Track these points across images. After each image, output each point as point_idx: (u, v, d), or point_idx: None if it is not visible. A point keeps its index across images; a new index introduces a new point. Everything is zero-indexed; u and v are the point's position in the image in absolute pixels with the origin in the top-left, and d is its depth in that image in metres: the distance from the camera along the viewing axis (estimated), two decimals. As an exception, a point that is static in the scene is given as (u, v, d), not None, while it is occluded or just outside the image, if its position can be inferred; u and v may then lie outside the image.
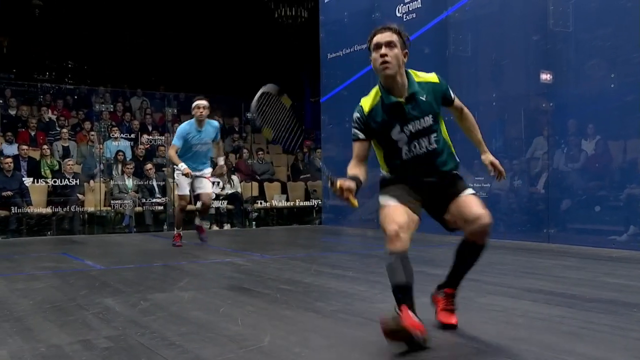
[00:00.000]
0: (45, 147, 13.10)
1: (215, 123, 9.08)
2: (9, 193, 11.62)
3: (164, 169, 13.17)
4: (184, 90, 18.14)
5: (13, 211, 11.57)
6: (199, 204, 9.54)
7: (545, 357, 3.11)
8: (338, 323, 3.96)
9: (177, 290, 5.30)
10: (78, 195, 12.32)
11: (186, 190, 8.95)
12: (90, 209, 12.37)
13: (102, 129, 14.52)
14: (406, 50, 3.63)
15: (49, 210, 12.03)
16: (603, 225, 8.25)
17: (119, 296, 5.01)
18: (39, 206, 11.99)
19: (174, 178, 12.19)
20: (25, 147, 12.86)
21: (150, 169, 12.84)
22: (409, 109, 3.58)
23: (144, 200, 12.64)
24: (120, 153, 13.20)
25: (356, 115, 3.68)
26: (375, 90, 3.72)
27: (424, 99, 3.59)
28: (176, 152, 8.74)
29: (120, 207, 12.50)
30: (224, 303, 4.68)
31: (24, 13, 17.00)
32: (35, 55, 20.80)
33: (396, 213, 3.48)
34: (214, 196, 9.44)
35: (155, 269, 6.94)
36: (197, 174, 8.87)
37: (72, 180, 12.34)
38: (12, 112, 14.91)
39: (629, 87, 8.00)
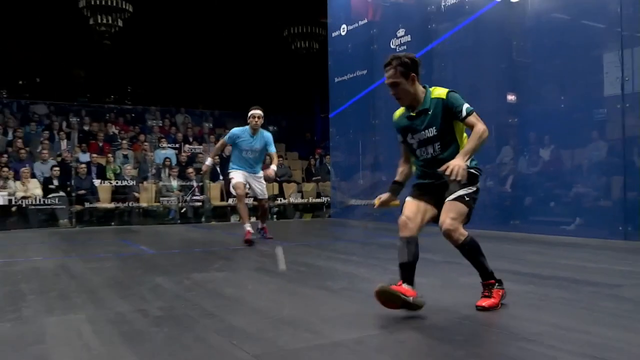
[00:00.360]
0: (109, 155, 13.22)
1: (268, 135, 7.81)
2: (83, 192, 11.76)
3: (200, 172, 13.22)
4: (218, 108, 18.24)
5: (86, 206, 11.69)
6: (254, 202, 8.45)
7: (512, 324, 3.12)
8: (344, 298, 3.97)
9: (213, 271, 5.32)
10: (135, 193, 12.41)
11: (240, 179, 7.56)
12: (144, 204, 12.41)
13: (153, 140, 14.60)
14: (412, 74, 3.52)
15: (112, 205, 12.12)
16: (556, 217, 8.27)
17: (167, 275, 5.03)
18: (105, 202, 12.09)
19: (210, 180, 12.33)
20: (95, 155, 13.03)
21: (191, 172, 12.90)
22: (416, 122, 3.58)
23: (186, 198, 12.69)
24: (167, 159, 13.24)
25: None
26: None
27: (430, 113, 3.53)
28: (223, 147, 8.28)
29: (167, 203, 12.55)
30: (251, 282, 4.71)
31: (96, 51, 17.19)
32: (103, 83, 20.99)
33: (407, 207, 3.55)
34: (266, 195, 7.98)
35: (196, 254, 6.96)
36: (251, 174, 7.72)
37: (130, 182, 12.46)
38: (86, 128, 15.03)
39: (576, 106, 8.07)
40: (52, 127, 14.57)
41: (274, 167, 7.71)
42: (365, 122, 12.04)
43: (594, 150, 7.92)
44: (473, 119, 3.45)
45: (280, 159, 15.01)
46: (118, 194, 12.32)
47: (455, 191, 3.43)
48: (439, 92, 3.57)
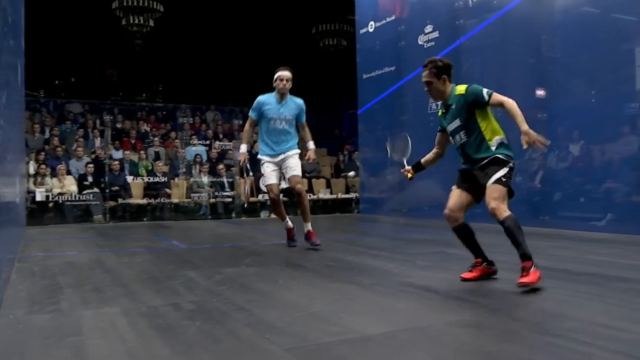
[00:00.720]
0: (142, 152, 13.35)
1: (300, 101, 6.53)
2: (116, 188, 11.93)
3: (232, 168, 13.27)
4: (248, 105, 18.29)
5: (119, 202, 11.86)
6: (285, 185, 6.74)
7: (543, 319, 3.07)
8: (374, 293, 3.94)
9: (244, 266, 5.32)
10: (166, 189, 12.52)
11: (272, 179, 6.37)
12: (176, 200, 12.52)
13: (184, 137, 14.70)
14: (444, 76, 4.17)
15: (144, 201, 12.25)
16: (586, 212, 8.13)
17: (198, 270, 5.06)
18: (137, 198, 12.23)
19: (240, 175, 12.30)
20: (127, 152, 13.19)
21: (221, 168, 13.01)
22: (447, 116, 4.25)
23: (216, 194, 12.77)
24: (198, 156, 13.34)
25: None
26: None
27: (454, 107, 4.17)
28: (251, 126, 6.65)
29: (198, 199, 12.65)
30: (281, 276, 4.70)
31: (128, 50, 17.43)
32: (135, 82, 21.29)
33: (450, 199, 4.25)
34: (301, 173, 6.50)
35: (226, 249, 6.96)
36: (281, 156, 6.38)
37: (162, 178, 12.58)
38: (119, 125, 15.20)
39: (606, 101, 7.91)
40: (86, 125, 14.77)
41: (311, 145, 6.58)
42: (394, 118, 11.98)
43: (625, 145, 7.77)
44: (496, 97, 4.02)
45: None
46: (150, 190, 12.45)
47: (493, 172, 3.97)
48: (460, 88, 4.15)
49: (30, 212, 10.88)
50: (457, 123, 4.14)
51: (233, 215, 12.71)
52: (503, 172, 3.97)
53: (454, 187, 4.27)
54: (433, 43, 10.82)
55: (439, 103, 4.36)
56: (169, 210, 12.36)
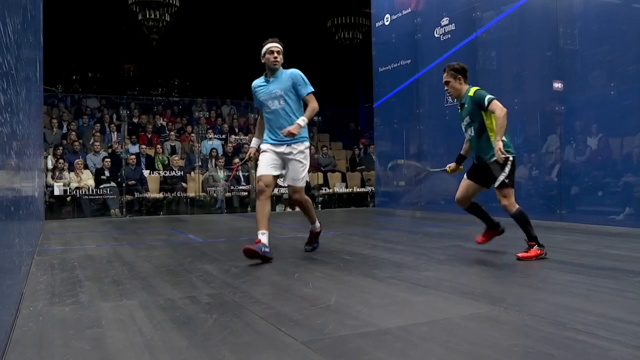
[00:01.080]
0: (158, 146, 13.44)
1: (293, 71, 5.39)
2: (133, 182, 12.02)
3: (234, 161, 13.31)
4: (263, 99, 18.31)
5: (136, 196, 11.95)
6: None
7: (560, 314, 3.06)
8: (390, 287, 3.94)
9: (260, 259, 5.31)
10: (182, 183, 12.60)
11: (263, 170, 5.21)
12: (192, 194, 12.60)
13: (200, 132, 14.77)
14: (459, 76, 5.03)
15: (161, 195, 12.34)
16: (604, 207, 8.06)
17: (215, 263, 5.10)
18: (154, 192, 12.33)
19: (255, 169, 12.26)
20: (144, 146, 13.27)
21: (237, 162, 13.01)
22: (462, 113, 5.10)
23: (232, 188, 12.82)
24: (214, 150, 13.40)
25: None
26: None
27: (466, 106, 5.01)
28: (261, 118, 5.74)
29: (214, 193, 12.71)
30: (297, 270, 4.71)
31: (145, 45, 17.52)
32: (151, 76, 21.40)
33: (459, 188, 5.26)
34: (301, 184, 5.38)
35: (242, 242, 6.92)
36: (285, 148, 5.26)
37: (178, 172, 12.67)
38: (135, 120, 15.28)
39: (625, 93, 7.81)
40: (103, 119, 14.88)
41: (303, 118, 5.15)
42: (409, 111, 11.95)
43: (645, 138, 7.69)
44: (493, 105, 4.75)
45: (325, 148, 15.02)
46: (166, 184, 12.54)
47: (497, 175, 4.77)
48: (471, 90, 4.95)
49: (48, 206, 11.02)
50: (468, 120, 5.00)
51: (249, 209, 12.75)
52: (504, 175, 4.76)
53: (464, 177, 5.23)
54: (449, 36, 10.76)
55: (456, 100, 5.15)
56: (185, 204, 12.43)
